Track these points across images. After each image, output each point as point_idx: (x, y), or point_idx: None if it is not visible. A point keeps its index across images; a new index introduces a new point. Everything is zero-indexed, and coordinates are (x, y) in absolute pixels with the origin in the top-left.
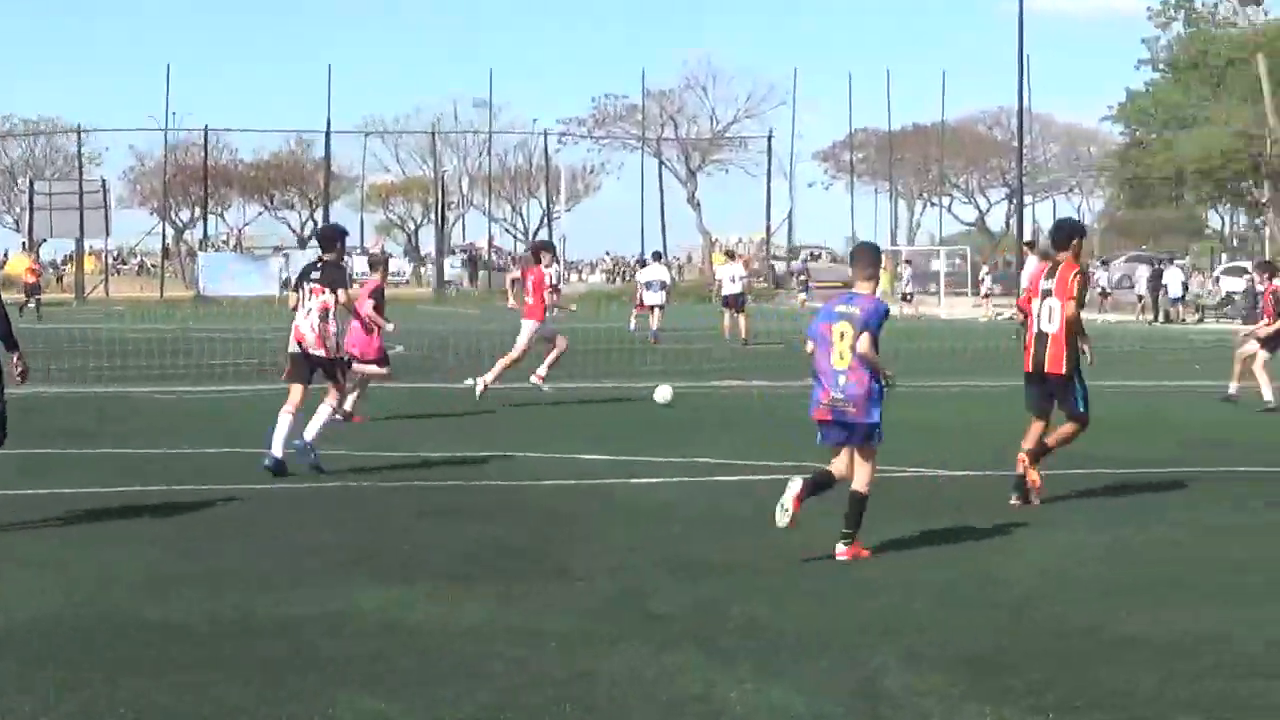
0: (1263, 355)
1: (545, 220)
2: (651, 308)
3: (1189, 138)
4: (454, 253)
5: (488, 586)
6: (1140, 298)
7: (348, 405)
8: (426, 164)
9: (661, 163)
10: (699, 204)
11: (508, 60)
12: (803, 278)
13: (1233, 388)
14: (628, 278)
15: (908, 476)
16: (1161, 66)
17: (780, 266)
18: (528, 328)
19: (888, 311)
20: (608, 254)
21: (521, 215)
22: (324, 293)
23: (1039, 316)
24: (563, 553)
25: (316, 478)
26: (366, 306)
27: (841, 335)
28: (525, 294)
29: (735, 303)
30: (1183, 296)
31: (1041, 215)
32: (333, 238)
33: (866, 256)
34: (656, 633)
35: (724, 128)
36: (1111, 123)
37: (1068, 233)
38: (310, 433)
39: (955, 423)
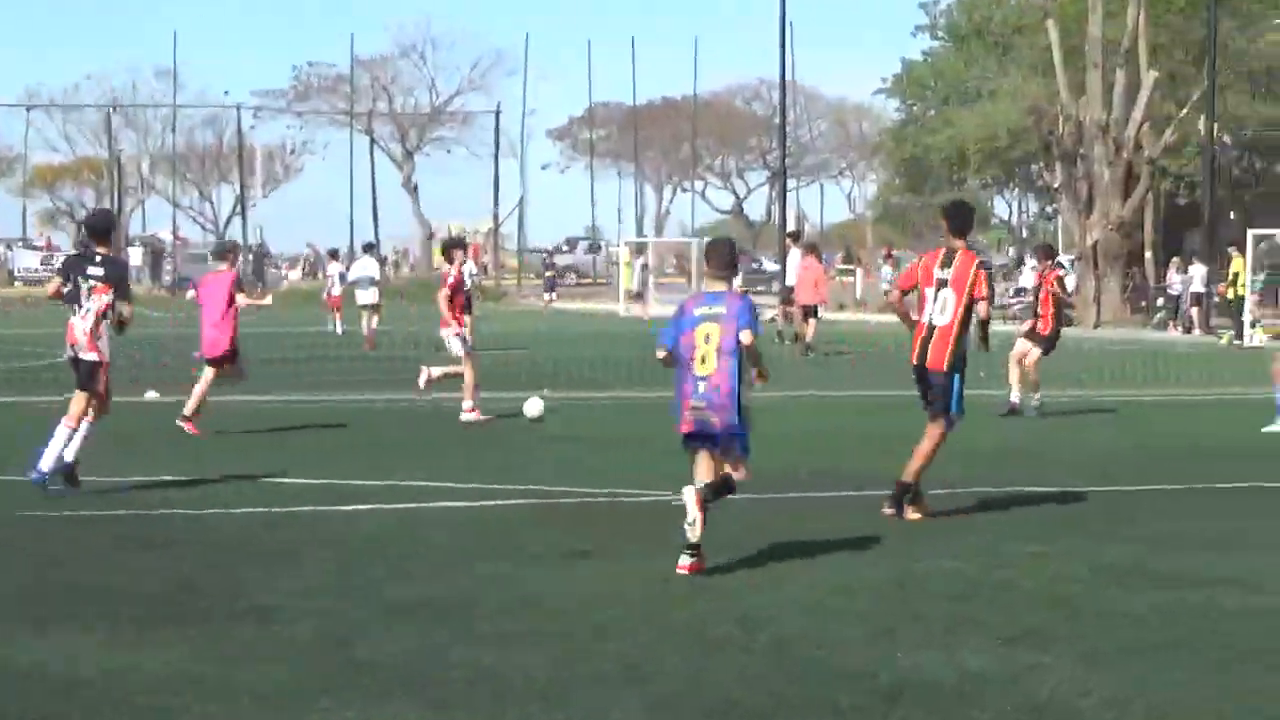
0: (1035, 353)
1: (239, 207)
2: (364, 308)
3: (972, 114)
4: (133, 244)
5: (173, 632)
6: None
7: (187, 410)
8: (101, 142)
9: (373, 141)
10: (417, 189)
11: (194, 23)
12: (550, 274)
13: (1015, 396)
14: (320, 273)
15: (657, 500)
16: (941, 34)
17: (561, 261)
18: (449, 337)
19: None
20: (310, 246)
21: (211, 202)
22: (107, 292)
23: (931, 307)
24: (258, 592)
25: None
26: (240, 301)
27: (707, 338)
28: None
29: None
30: None
31: (807, 201)
32: (107, 227)
33: (720, 252)
34: (366, 683)
35: (445, 101)
36: (886, 97)
37: (968, 217)
38: (70, 453)
39: None
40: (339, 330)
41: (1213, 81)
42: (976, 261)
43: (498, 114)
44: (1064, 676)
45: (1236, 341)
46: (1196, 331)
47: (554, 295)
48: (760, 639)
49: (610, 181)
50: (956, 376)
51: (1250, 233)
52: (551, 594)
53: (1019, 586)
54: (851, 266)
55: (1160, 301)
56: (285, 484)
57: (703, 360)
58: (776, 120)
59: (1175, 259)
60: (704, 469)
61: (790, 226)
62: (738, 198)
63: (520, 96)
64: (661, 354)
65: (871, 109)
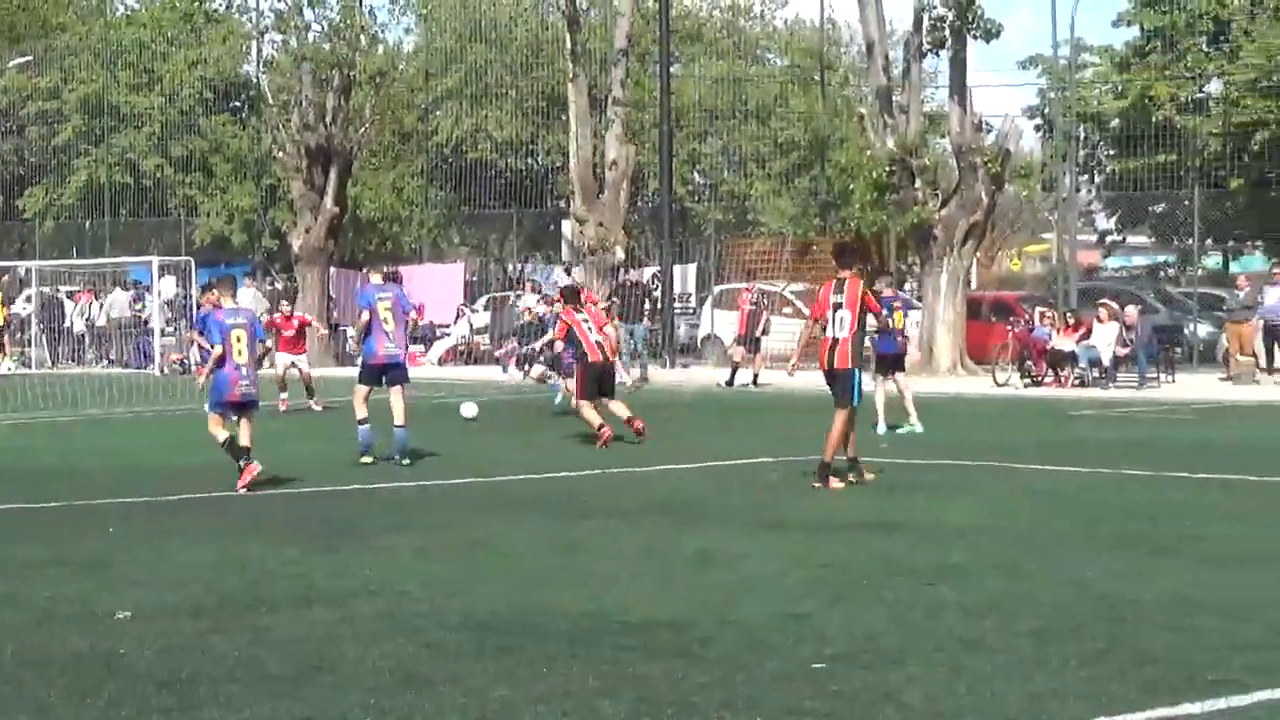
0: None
1: None
2: None
3: None
4: None
5: None
6: None
7: None
8: None
9: None
10: None
11: None
12: None
13: None
14: None
15: None
16: None
17: None
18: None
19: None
20: None
21: None
22: None
23: (832, 325)
24: None
25: None
26: None
27: (239, 339)
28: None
29: None
30: None
31: None
32: None
33: (229, 281)
34: None
35: None
36: None
37: (850, 254)
38: None
39: None
40: None
41: None
42: (862, 284)
43: None
44: None
45: None
46: None
47: None
48: None
49: None
50: (857, 372)
51: None
52: None
53: None
54: None
55: None
56: None
57: (239, 353)
58: None
59: None
60: (245, 430)
61: None
62: None
63: None
64: (218, 350)
65: None
